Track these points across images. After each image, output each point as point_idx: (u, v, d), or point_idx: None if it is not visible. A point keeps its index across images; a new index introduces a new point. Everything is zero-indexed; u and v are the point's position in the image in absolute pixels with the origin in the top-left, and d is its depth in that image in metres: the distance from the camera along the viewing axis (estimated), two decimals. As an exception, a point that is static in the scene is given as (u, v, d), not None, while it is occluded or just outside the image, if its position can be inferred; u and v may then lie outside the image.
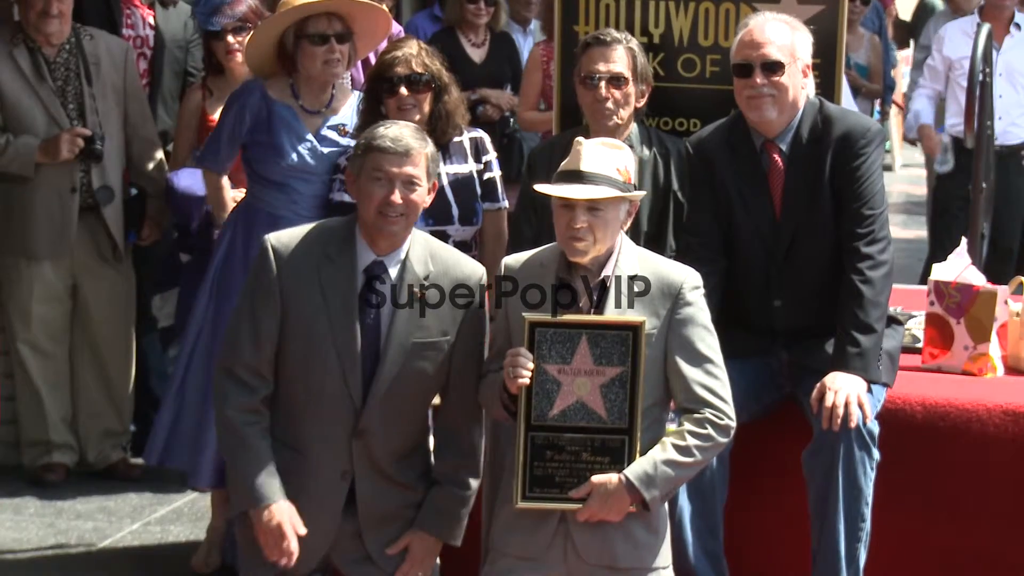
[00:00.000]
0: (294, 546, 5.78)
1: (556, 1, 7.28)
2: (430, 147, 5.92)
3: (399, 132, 5.89)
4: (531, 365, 5.53)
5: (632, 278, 5.66)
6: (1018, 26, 11.23)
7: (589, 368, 5.57)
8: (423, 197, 5.87)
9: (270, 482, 5.81)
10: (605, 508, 5.50)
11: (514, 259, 5.93)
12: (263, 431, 5.89)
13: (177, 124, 8.49)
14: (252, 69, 7.35)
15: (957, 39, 11.69)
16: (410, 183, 5.78)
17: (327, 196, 6.97)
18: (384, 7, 7.59)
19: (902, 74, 14.28)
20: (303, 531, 5.81)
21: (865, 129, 6.26)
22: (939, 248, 11.34)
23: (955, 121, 11.57)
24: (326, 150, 6.97)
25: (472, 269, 6.00)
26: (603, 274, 5.66)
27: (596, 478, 5.51)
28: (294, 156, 7.07)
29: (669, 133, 6.89)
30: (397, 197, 5.75)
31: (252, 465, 5.86)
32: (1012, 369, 6.83)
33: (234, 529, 6.22)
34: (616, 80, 6.53)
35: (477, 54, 9.50)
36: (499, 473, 5.91)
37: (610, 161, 5.65)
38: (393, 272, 5.87)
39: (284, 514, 5.78)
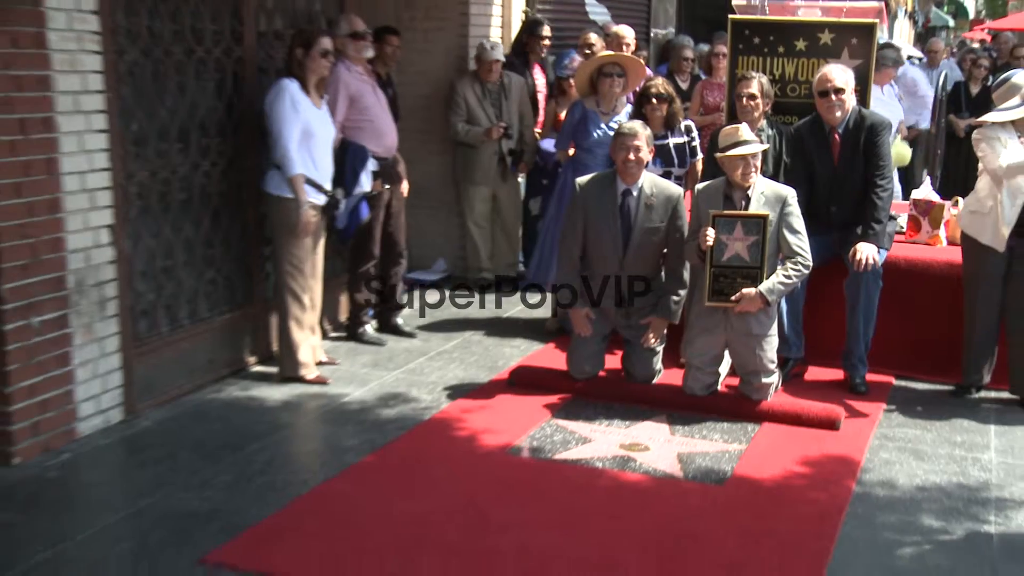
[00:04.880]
0: (588, 327, 5.88)
1: (728, 57, 6.93)
2: (648, 131, 5.84)
3: (632, 124, 5.88)
4: (713, 234, 5.49)
5: (763, 193, 5.57)
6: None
7: (742, 237, 5.52)
8: (646, 155, 5.78)
9: (576, 301, 5.91)
10: (749, 304, 5.50)
11: (701, 185, 5.80)
12: (577, 272, 5.93)
13: (544, 119, 8.23)
14: (578, 90, 7.18)
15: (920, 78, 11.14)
16: (637, 149, 5.71)
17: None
18: (642, 61, 7.44)
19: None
20: (594, 317, 5.89)
21: (882, 121, 6.05)
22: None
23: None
24: (611, 133, 6.72)
25: (674, 190, 5.89)
26: (747, 192, 5.55)
27: (745, 290, 5.50)
28: (596, 136, 6.90)
29: (783, 124, 6.57)
30: (631, 156, 5.71)
31: (568, 294, 5.94)
32: (951, 242, 6.51)
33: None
34: (752, 97, 6.28)
35: (684, 86, 9.21)
36: (692, 291, 5.80)
37: (752, 135, 5.65)
38: (635, 193, 5.79)
39: (581, 313, 5.89)
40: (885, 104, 9.92)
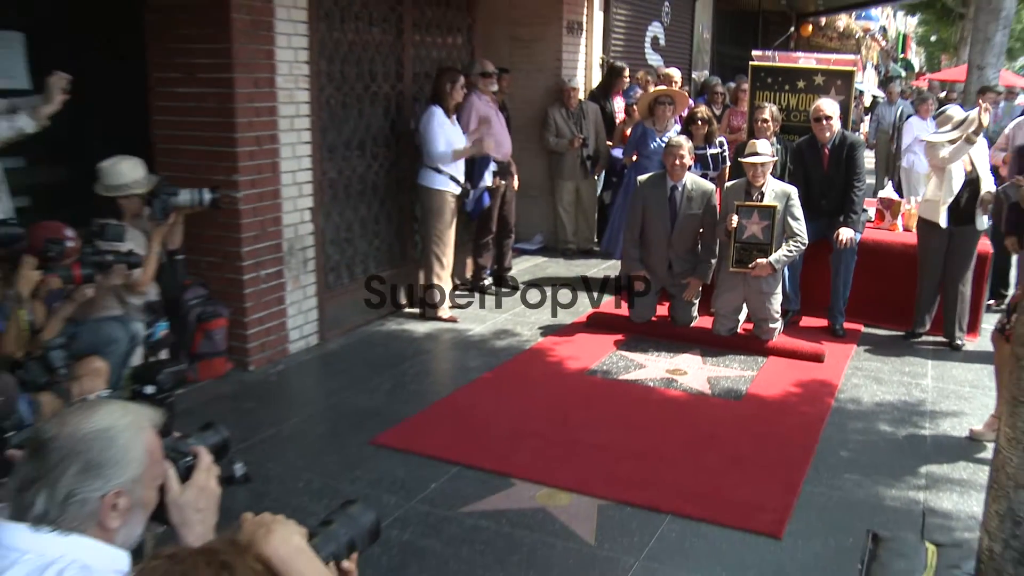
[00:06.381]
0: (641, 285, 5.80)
1: (749, 94, 6.80)
2: (690, 144, 5.69)
3: (678, 139, 5.70)
4: (736, 219, 5.42)
5: (773, 190, 5.46)
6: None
7: (757, 222, 5.45)
8: (688, 161, 5.63)
9: (635, 266, 5.81)
10: (761, 271, 5.46)
11: (728, 184, 5.71)
12: (637, 246, 5.81)
13: (614, 134, 8.13)
14: (640, 114, 7.11)
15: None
16: (682, 156, 5.56)
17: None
18: (686, 94, 7.36)
19: (866, 124, 13.50)
20: (649, 278, 5.79)
21: (859, 140, 5.94)
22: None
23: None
24: (663, 145, 6.63)
25: (709, 186, 5.73)
26: (761, 189, 5.44)
27: (759, 260, 5.45)
28: (652, 147, 6.84)
29: (788, 140, 6.43)
30: (678, 161, 5.57)
31: (630, 261, 5.86)
32: (906, 228, 6.33)
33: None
34: (766, 120, 6.18)
35: (717, 112, 8.90)
36: (720, 260, 5.67)
37: (768, 147, 5.51)
38: (680, 188, 5.66)
39: (641, 274, 5.77)
40: (928, 132, 9.60)
